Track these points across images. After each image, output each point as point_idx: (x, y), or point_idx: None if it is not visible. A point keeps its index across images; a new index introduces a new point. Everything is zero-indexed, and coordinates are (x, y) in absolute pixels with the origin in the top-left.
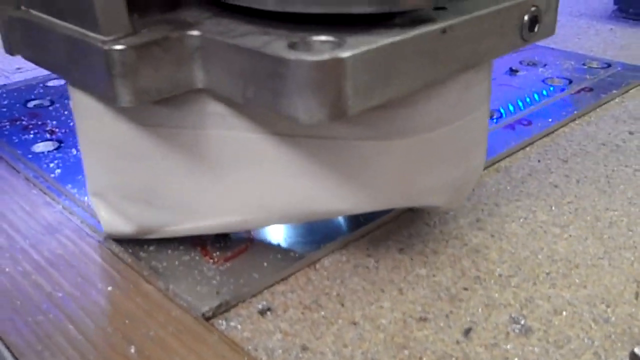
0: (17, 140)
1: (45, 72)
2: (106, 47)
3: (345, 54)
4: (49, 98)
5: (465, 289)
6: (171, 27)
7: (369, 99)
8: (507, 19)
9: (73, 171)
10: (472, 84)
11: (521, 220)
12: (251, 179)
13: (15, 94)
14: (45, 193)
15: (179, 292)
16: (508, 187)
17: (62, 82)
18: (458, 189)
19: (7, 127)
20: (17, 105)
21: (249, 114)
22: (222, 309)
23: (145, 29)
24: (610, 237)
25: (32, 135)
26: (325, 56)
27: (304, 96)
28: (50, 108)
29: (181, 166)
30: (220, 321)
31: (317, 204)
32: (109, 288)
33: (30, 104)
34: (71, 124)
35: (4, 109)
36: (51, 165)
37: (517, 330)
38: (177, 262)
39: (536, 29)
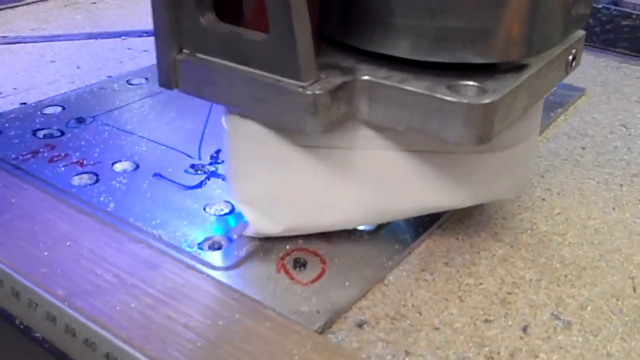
0: (50, 174)
1: (34, 98)
2: (308, 92)
3: (496, 97)
4: (56, 128)
5: (509, 293)
6: (338, 72)
7: (501, 126)
8: (563, 58)
9: (127, 204)
10: (537, 109)
11: (528, 231)
12: (385, 185)
13: (17, 123)
14: (118, 230)
15: (289, 314)
16: (507, 203)
17: (60, 109)
18: (524, 186)
19: (31, 159)
20: (27, 135)
21: (389, 135)
22: (327, 326)
23: (322, 74)
24: (599, 242)
25: (62, 169)
26: (485, 100)
27: (463, 127)
28: (63, 138)
29: (329, 178)
30: (329, 336)
31: (432, 202)
32: (237, 315)
33: (40, 134)
34: (95, 154)
35: (16, 140)
36: (102, 199)
37: (560, 325)
38: (273, 287)
39: (573, 65)
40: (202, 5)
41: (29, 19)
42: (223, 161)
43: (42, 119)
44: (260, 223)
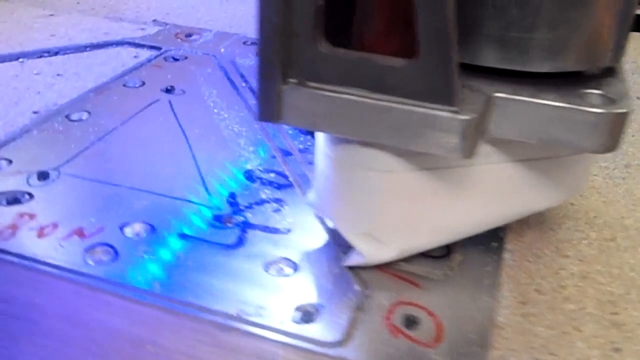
0: (54, 254)
1: None
2: (462, 117)
3: (628, 105)
4: (18, 189)
5: (614, 313)
6: (466, 91)
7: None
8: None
9: (173, 280)
10: None
11: (584, 241)
12: (498, 195)
13: None
14: (188, 317)
15: None
16: (545, 213)
17: (6, 163)
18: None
19: (13, 238)
20: None
21: (504, 148)
22: None
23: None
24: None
25: (63, 245)
26: (623, 109)
27: (599, 135)
28: (35, 202)
29: (449, 197)
30: None
31: (535, 204)
32: None
33: (1, 200)
34: (90, 219)
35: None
36: (138, 278)
37: None
38: (402, 355)
39: None
40: (317, 31)
41: None
42: (249, 206)
43: None
44: (373, 252)
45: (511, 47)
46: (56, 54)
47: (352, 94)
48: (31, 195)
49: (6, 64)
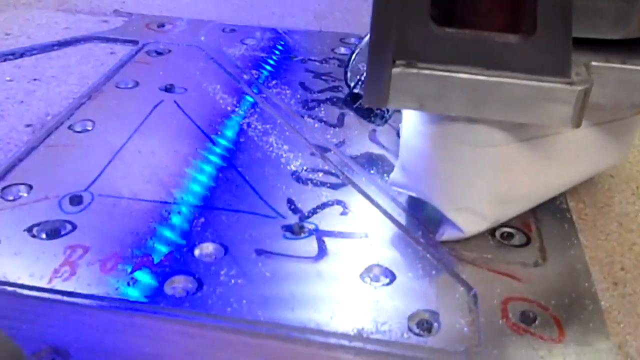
0: (126, 290)
1: None
2: (578, 87)
3: None
4: (53, 219)
5: None
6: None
7: None
8: None
9: (270, 304)
10: None
11: (631, 215)
12: (576, 158)
13: None
14: (309, 344)
15: None
16: (588, 193)
17: (26, 189)
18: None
19: (72, 277)
20: (22, 239)
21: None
22: None
23: None
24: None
25: (132, 280)
26: None
27: None
28: (79, 232)
29: (541, 164)
30: None
31: (601, 163)
32: None
33: (39, 233)
34: (148, 243)
35: (14, 251)
36: (233, 305)
37: None
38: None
39: None
40: (427, 13)
41: None
42: (313, 212)
43: (20, 211)
44: (471, 225)
45: (599, 15)
46: (22, 55)
47: (464, 72)
48: (72, 225)
49: None
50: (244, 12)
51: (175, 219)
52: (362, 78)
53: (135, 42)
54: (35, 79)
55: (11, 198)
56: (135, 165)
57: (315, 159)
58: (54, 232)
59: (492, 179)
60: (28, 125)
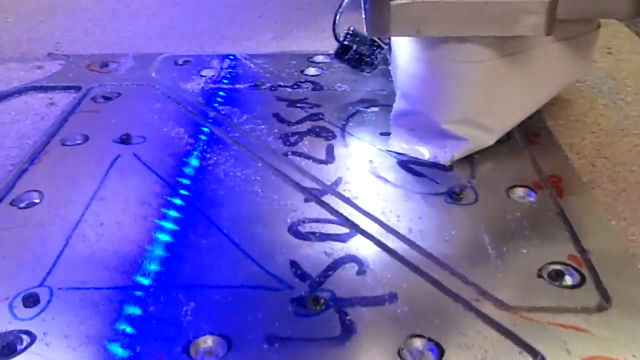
0: None
1: None
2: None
3: None
4: None
5: None
6: None
7: None
8: None
9: None
10: None
11: None
12: (550, 71)
13: None
14: None
15: None
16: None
17: None
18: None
19: None
20: None
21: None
22: None
23: None
24: None
25: None
26: None
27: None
28: None
29: (523, 77)
30: None
31: (569, 77)
32: None
33: None
34: None
35: None
36: None
37: None
38: None
39: None
40: None
41: None
42: (324, 275)
43: None
44: (477, 136)
45: None
46: None
47: None
48: (30, 335)
49: None
50: (193, 40)
51: (159, 308)
52: (350, 31)
53: (77, 88)
54: None
55: None
56: (98, 243)
57: (312, 206)
58: (8, 349)
59: (482, 91)
60: None
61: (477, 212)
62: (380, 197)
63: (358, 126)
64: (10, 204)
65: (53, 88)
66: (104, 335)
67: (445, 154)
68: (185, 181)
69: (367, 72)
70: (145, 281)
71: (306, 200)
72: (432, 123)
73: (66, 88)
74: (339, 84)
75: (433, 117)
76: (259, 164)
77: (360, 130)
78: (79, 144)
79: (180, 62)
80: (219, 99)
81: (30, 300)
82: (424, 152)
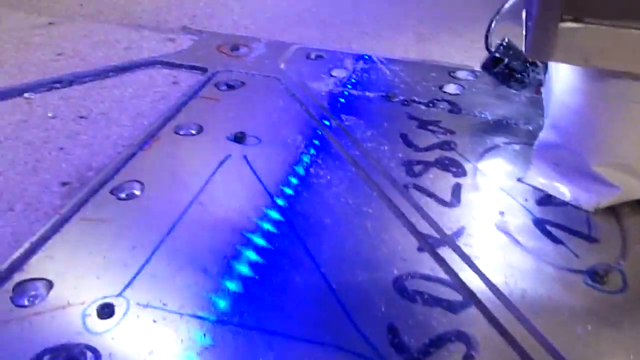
0: None
1: None
2: None
3: None
4: None
5: None
6: None
7: None
8: None
9: None
10: None
11: None
12: None
13: None
14: None
15: None
16: None
17: None
18: None
19: None
20: None
21: None
22: None
23: None
24: None
25: None
26: None
27: None
28: None
29: None
30: None
31: None
32: None
33: None
34: None
35: None
36: None
37: None
38: None
39: None
40: None
41: None
42: (425, 351)
43: (31, 326)
44: (632, 188)
45: None
46: (71, 83)
47: (632, 28)
48: (95, 353)
49: (8, 102)
50: (331, 30)
51: (234, 349)
52: (504, 42)
53: (203, 70)
54: (81, 117)
55: (25, 303)
56: (184, 256)
57: (425, 258)
58: None
59: None
60: (64, 184)
61: (625, 305)
62: (505, 261)
63: (493, 165)
64: (111, 192)
65: (179, 66)
66: None
67: (589, 199)
68: (290, 193)
69: (515, 90)
70: (224, 306)
71: (419, 250)
72: (581, 161)
73: (192, 68)
74: (479, 109)
75: (584, 156)
76: (374, 193)
77: (496, 171)
78: (192, 134)
79: (312, 56)
80: (345, 106)
81: (105, 311)
82: (565, 191)
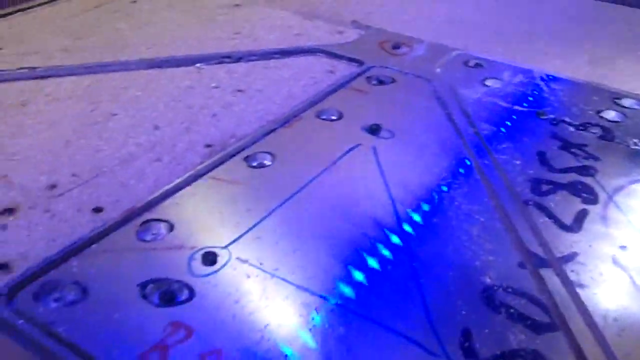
0: None
1: None
2: None
3: None
4: None
5: None
6: None
7: None
8: None
9: None
10: None
11: None
12: None
13: None
14: None
15: None
16: None
17: None
18: None
19: None
20: None
21: None
22: None
23: None
24: None
25: None
26: None
27: None
28: None
29: None
30: None
31: None
32: None
33: None
34: None
35: None
36: None
37: None
38: None
39: None
40: None
41: (54, 30)
42: None
43: (146, 258)
44: None
45: None
46: (239, 60)
47: None
48: (191, 292)
49: (181, 69)
50: (501, 42)
51: (316, 318)
52: None
53: (360, 63)
54: (239, 90)
55: (147, 238)
56: (295, 230)
57: (523, 275)
58: (167, 298)
59: None
60: (208, 146)
61: None
62: (612, 296)
63: (631, 199)
64: (244, 159)
65: (339, 56)
66: (251, 326)
67: None
68: (407, 197)
69: None
70: (323, 292)
71: (520, 265)
72: None
73: (350, 60)
74: (635, 140)
75: None
76: (491, 202)
77: (632, 206)
78: (332, 120)
79: (471, 63)
80: (488, 116)
81: (209, 259)
82: None
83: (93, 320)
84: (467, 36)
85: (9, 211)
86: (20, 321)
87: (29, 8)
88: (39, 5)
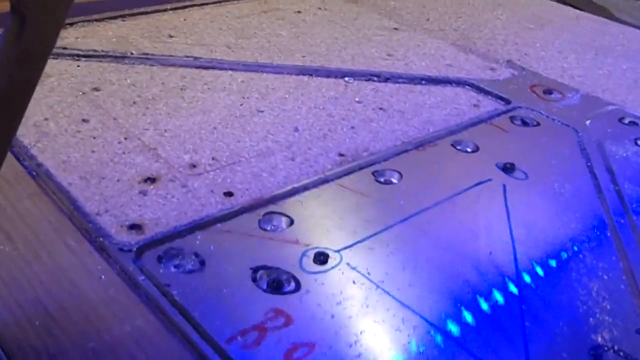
0: None
1: None
2: None
3: None
4: None
5: None
6: None
7: None
8: None
9: None
10: None
11: None
12: None
13: None
14: None
15: None
16: None
17: None
18: None
19: None
20: None
21: None
22: None
23: None
24: None
25: None
26: None
27: None
28: None
29: None
30: None
31: None
32: None
33: None
34: None
35: None
36: None
37: None
38: None
39: None
40: None
41: (221, 27)
42: None
43: (262, 245)
44: None
45: None
46: (387, 80)
47: None
48: (297, 284)
49: (330, 80)
50: None
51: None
52: None
53: (507, 102)
54: (381, 108)
55: (268, 228)
56: (409, 249)
57: (632, 337)
58: (275, 285)
59: None
60: (341, 155)
61: None
62: None
63: None
64: (372, 173)
65: (487, 92)
66: (346, 333)
67: None
68: (530, 247)
69: None
70: (428, 328)
71: (639, 333)
72: None
73: (497, 97)
74: None
75: None
76: (620, 264)
77: None
78: (467, 151)
79: (626, 120)
80: (634, 175)
81: (320, 259)
82: None
83: (204, 291)
84: (627, 92)
85: (152, 180)
86: (142, 277)
87: (203, 4)
88: (213, 3)
